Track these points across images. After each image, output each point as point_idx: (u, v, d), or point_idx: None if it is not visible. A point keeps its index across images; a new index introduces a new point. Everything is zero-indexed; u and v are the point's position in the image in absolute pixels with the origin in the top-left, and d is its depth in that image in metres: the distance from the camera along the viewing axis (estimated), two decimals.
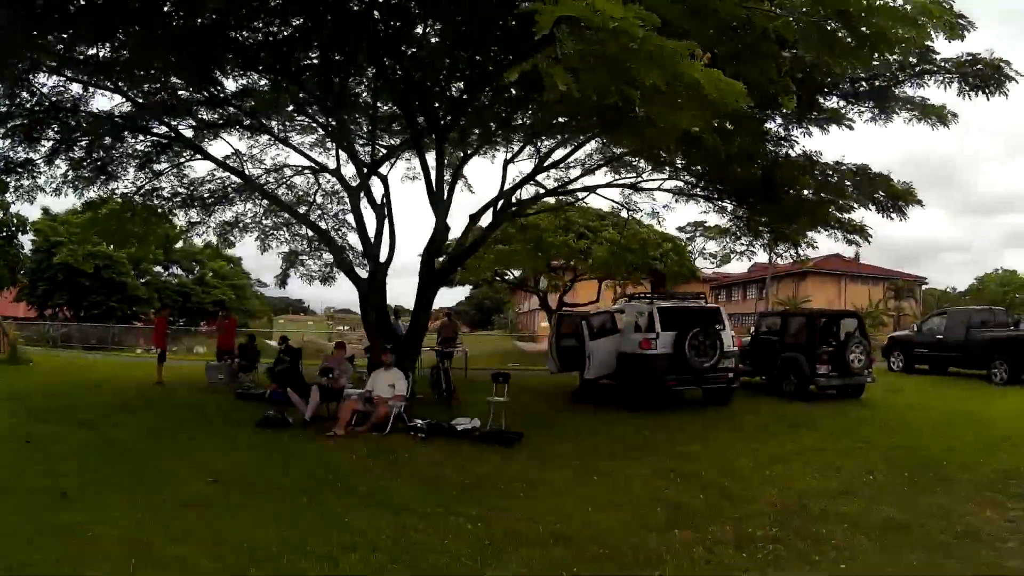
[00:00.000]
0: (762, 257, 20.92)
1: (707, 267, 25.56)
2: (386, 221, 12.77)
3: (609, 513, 5.59)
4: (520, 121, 12.72)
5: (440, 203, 12.18)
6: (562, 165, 14.26)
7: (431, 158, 12.17)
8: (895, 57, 9.48)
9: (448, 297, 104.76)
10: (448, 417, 9.65)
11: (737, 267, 44.98)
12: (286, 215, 15.76)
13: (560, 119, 11.13)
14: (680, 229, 22.16)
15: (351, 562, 4.44)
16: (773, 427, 9.80)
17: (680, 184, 13.87)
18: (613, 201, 15.83)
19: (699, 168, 12.28)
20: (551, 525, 5.21)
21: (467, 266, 22.49)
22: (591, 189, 15.13)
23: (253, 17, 9.36)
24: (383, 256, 12.61)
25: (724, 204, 14.11)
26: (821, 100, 10.49)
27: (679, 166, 12.68)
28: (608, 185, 14.86)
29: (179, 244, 40.67)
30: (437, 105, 11.50)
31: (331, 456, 7.65)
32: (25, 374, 15.77)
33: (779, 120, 10.86)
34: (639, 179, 14.35)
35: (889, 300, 41.99)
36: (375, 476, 6.83)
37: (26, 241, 22.31)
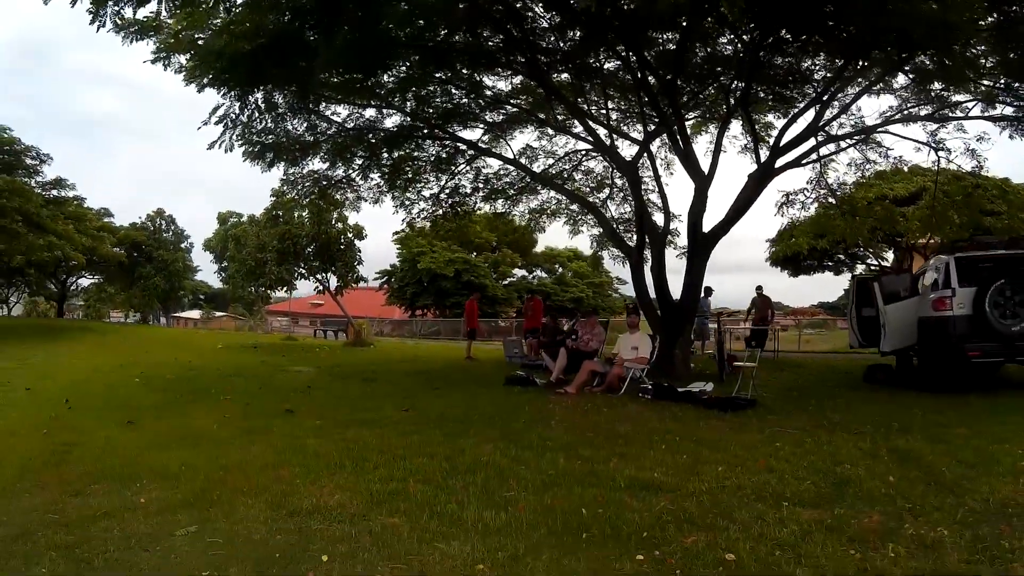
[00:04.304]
0: None
1: None
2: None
3: (750, 476, 4.78)
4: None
5: (693, 164, 11.91)
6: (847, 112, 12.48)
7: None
8: None
9: (817, 289, 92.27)
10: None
11: None
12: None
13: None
14: None
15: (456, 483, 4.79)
16: None
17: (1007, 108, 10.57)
18: (916, 141, 12.76)
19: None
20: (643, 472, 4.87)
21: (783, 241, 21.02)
22: (871, 129, 12.66)
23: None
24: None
25: None
26: None
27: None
28: (894, 120, 12.19)
29: (538, 248, 45.38)
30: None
31: (540, 407, 7.94)
32: (359, 353, 19.12)
33: None
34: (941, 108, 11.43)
35: None
36: (554, 424, 6.96)
37: (363, 245, 25.46)
